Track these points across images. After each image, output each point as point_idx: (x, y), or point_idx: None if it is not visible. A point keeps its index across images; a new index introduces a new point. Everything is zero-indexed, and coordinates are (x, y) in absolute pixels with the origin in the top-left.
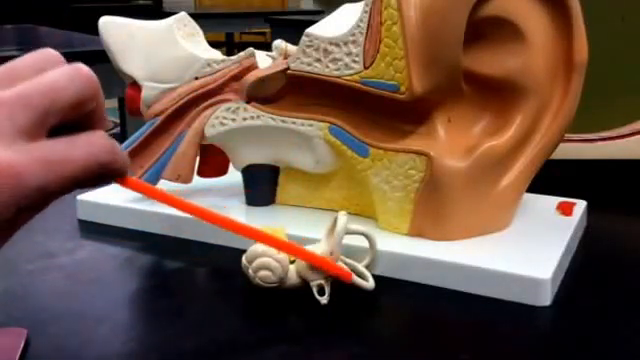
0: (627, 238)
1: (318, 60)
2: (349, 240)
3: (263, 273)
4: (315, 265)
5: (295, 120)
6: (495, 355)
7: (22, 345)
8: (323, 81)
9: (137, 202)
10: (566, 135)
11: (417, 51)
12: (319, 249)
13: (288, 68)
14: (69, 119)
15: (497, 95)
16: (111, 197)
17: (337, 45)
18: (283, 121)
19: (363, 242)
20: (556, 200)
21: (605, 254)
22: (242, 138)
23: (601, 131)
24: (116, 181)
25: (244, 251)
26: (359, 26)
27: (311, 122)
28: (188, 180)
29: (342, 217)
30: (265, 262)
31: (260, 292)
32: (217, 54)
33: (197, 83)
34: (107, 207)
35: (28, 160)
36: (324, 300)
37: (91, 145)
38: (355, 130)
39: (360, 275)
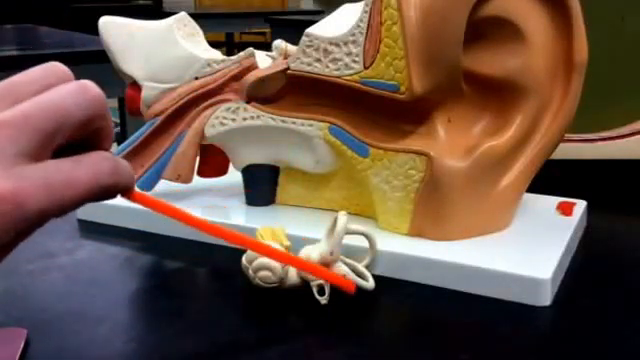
0: (627, 238)
1: (318, 60)
2: (349, 240)
3: (263, 273)
4: (317, 277)
5: (295, 120)
6: (495, 355)
7: (22, 345)
8: (323, 81)
9: None
10: (566, 135)
11: (417, 51)
12: (319, 249)
13: (288, 68)
14: (75, 138)
15: (497, 95)
16: None
17: (337, 45)
18: (283, 121)
19: (363, 242)
20: (556, 200)
21: (605, 254)
22: (242, 138)
23: (601, 131)
24: (122, 195)
25: (244, 251)
26: (359, 26)
27: (311, 122)
28: (188, 180)
29: (342, 217)
30: (265, 262)
31: (260, 292)
32: (217, 54)
33: (197, 83)
34: (107, 207)
35: (30, 185)
36: (324, 300)
37: (95, 168)
38: (355, 130)
39: (360, 275)
